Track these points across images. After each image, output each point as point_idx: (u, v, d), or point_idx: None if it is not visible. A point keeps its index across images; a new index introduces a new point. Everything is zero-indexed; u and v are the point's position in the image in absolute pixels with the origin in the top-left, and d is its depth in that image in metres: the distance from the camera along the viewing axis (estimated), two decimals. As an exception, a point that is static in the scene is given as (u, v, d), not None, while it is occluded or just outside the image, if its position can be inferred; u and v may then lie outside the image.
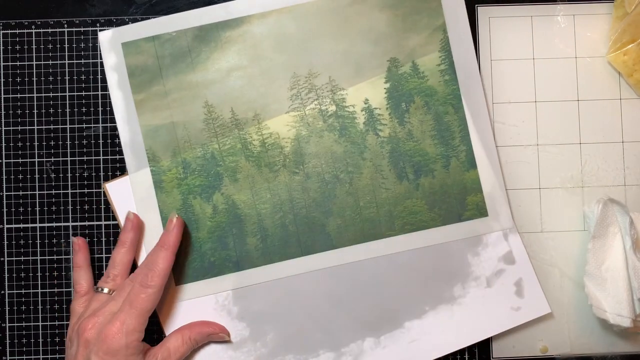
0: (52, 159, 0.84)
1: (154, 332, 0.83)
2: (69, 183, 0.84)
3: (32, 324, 0.83)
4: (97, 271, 0.84)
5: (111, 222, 0.84)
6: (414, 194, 0.83)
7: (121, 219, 0.83)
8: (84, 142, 0.84)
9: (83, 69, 0.84)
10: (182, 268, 0.82)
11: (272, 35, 0.83)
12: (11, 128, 0.84)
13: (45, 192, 0.84)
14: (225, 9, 0.83)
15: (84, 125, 0.84)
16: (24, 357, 0.83)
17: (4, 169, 0.84)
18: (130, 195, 0.83)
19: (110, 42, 0.83)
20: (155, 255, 0.78)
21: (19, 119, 0.84)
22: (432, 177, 0.83)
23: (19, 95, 0.84)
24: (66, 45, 0.84)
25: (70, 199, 0.84)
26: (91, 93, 0.84)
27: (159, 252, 0.78)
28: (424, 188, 0.83)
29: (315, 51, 0.83)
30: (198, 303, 0.82)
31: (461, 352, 0.83)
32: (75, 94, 0.84)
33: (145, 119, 0.83)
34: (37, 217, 0.84)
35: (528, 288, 0.82)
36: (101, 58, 0.84)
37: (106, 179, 0.83)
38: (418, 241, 0.82)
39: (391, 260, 0.82)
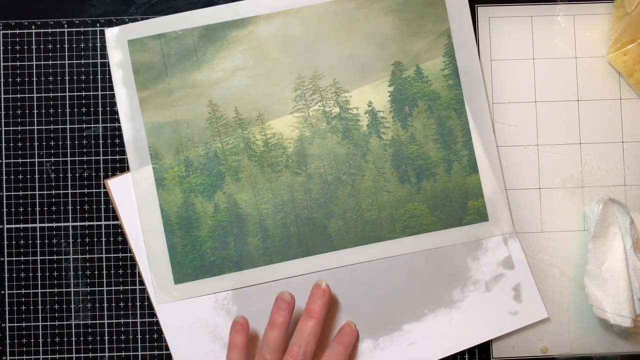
0: (52, 159, 0.84)
1: (153, 332, 0.83)
2: (69, 183, 0.84)
3: (32, 324, 0.83)
4: (102, 271, 0.84)
5: (111, 222, 0.84)
6: (415, 197, 0.83)
7: (122, 216, 0.83)
8: (84, 142, 0.84)
9: (83, 69, 0.84)
10: (181, 267, 0.82)
11: (278, 36, 0.83)
12: (11, 128, 0.84)
13: (45, 192, 0.84)
14: (232, 9, 0.83)
15: (84, 125, 0.84)
16: (24, 357, 0.83)
17: (4, 169, 0.84)
18: (131, 192, 0.83)
19: (117, 39, 0.83)
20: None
21: (19, 119, 0.84)
22: (433, 181, 0.83)
23: (19, 95, 0.84)
24: (66, 45, 0.84)
25: (70, 199, 0.84)
26: (91, 93, 0.84)
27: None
28: (426, 191, 0.83)
29: (321, 53, 0.83)
30: (197, 302, 0.82)
31: (461, 352, 0.83)
32: (75, 94, 0.84)
33: (149, 117, 0.82)
34: (37, 217, 0.84)
35: (526, 293, 0.83)
36: (102, 58, 0.84)
37: (106, 179, 0.83)
38: (418, 244, 0.83)
39: (391, 263, 0.83)
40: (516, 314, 0.82)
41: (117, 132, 0.84)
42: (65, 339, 0.83)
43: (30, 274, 0.84)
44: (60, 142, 0.84)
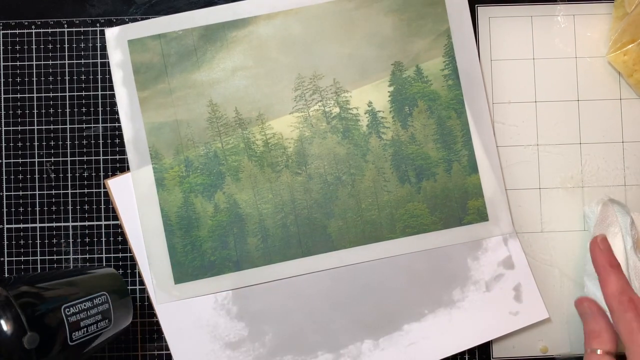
0: (52, 159, 0.84)
1: (153, 332, 0.83)
2: (69, 183, 0.84)
3: (32, 324, 0.83)
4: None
5: (111, 222, 0.84)
6: (415, 197, 0.83)
7: (122, 215, 0.83)
8: (84, 142, 0.84)
9: (83, 69, 0.84)
10: (181, 267, 0.82)
11: (277, 36, 0.83)
12: (11, 128, 0.84)
13: (45, 192, 0.84)
14: (232, 9, 0.83)
15: (84, 125, 0.84)
16: (24, 357, 0.83)
17: (4, 169, 0.84)
18: (131, 192, 0.83)
19: (117, 39, 0.83)
20: None
21: (19, 119, 0.84)
22: (433, 181, 0.83)
23: (19, 95, 0.84)
24: (66, 45, 0.84)
25: (70, 199, 0.84)
26: (91, 93, 0.84)
27: None
28: (426, 191, 0.83)
29: (321, 53, 0.83)
30: (197, 302, 0.82)
31: (461, 352, 0.83)
32: (75, 94, 0.84)
33: (149, 117, 0.82)
34: (37, 217, 0.84)
35: (527, 293, 0.83)
36: (102, 58, 0.84)
37: (106, 179, 0.83)
38: (418, 244, 0.83)
39: (391, 263, 0.83)
40: (516, 314, 0.82)
41: (117, 132, 0.84)
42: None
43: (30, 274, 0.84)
44: (60, 142, 0.84)
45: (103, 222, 0.84)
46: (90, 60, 0.84)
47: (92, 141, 0.84)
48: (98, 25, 0.84)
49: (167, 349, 0.83)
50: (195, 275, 0.82)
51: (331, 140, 0.83)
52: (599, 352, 0.73)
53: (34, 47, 0.84)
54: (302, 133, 0.83)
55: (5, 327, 0.60)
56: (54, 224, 0.84)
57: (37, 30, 0.84)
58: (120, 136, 0.84)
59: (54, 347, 0.64)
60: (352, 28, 0.83)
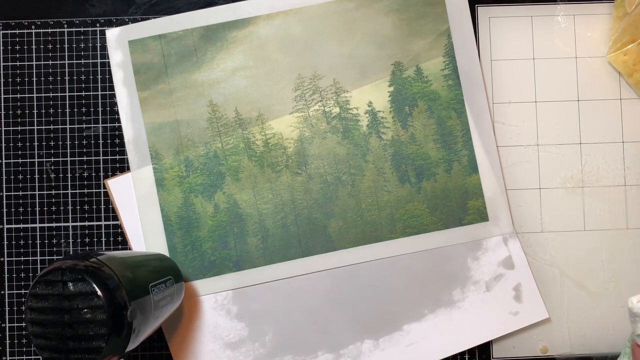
0: (52, 159, 0.84)
1: (153, 332, 0.83)
2: (69, 183, 0.84)
3: (32, 324, 0.83)
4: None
5: (111, 222, 0.84)
6: (415, 198, 0.83)
7: (122, 216, 0.83)
8: (84, 142, 0.84)
9: (83, 69, 0.84)
10: (182, 267, 0.82)
11: (278, 36, 0.83)
12: (11, 128, 0.84)
13: (45, 192, 0.84)
14: (232, 9, 0.83)
15: (84, 125, 0.84)
16: (24, 357, 0.83)
17: (4, 169, 0.84)
18: (131, 192, 0.83)
19: (117, 39, 0.83)
20: None
21: (19, 119, 0.84)
22: (434, 181, 0.83)
23: (19, 95, 0.84)
24: (66, 45, 0.84)
25: (70, 199, 0.84)
26: (91, 93, 0.84)
27: None
28: (426, 192, 0.83)
29: (321, 53, 0.83)
30: (197, 302, 0.82)
31: (461, 352, 0.83)
32: (75, 94, 0.84)
33: (149, 117, 0.82)
34: (37, 217, 0.84)
35: (527, 293, 0.83)
36: (102, 58, 0.84)
37: (106, 179, 0.83)
38: (419, 244, 0.83)
39: (391, 263, 0.83)
40: (516, 314, 0.82)
41: (117, 132, 0.84)
42: (66, 339, 0.83)
43: (30, 274, 0.83)
44: (60, 142, 0.84)
45: (103, 222, 0.84)
46: (90, 60, 0.84)
47: (92, 141, 0.84)
48: (98, 25, 0.84)
49: (167, 349, 0.83)
50: (195, 276, 0.82)
51: (331, 140, 0.83)
52: None
53: (34, 47, 0.84)
54: (302, 133, 0.83)
55: (111, 300, 0.61)
56: (54, 224, 0.84)
57: (37, 30, 0.84)
58: (120, 136, 0.84)
59: (145, 322, 0.66)
60: (352, 28, 0.83)
